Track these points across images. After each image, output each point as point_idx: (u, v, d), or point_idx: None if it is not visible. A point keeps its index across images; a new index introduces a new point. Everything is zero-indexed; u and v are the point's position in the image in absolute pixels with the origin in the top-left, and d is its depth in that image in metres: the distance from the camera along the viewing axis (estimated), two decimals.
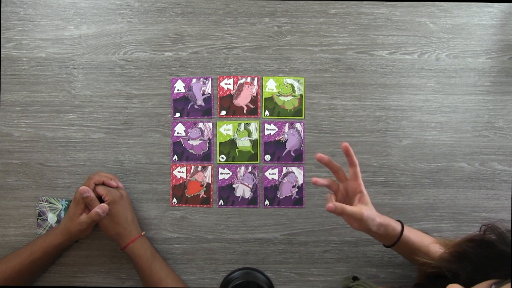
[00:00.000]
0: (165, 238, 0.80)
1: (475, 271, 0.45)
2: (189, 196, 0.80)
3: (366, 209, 0.62)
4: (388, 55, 0.82)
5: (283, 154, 0.81)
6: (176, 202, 0.80)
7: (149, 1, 0.81)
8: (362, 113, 0.81)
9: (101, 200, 0.72)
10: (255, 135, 0.81)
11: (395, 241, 0.66)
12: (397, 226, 0.66)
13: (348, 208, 0.60)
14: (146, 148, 0.81)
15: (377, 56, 0.82)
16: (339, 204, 0.59)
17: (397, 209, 0.81)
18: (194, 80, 0.81)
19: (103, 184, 0.74)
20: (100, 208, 0.70)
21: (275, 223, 0.81)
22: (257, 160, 0.81)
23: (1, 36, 0.80)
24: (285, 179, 0.81)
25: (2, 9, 0.80)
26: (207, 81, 0.81)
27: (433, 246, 0.63)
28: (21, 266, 0.71)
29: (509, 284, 0.40)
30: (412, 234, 0.67)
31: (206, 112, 0.81)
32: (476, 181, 0.81)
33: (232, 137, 0.81)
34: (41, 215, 0.78)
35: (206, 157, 0.81)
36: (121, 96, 0.81)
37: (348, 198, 0.66)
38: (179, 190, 0.80)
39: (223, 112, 0.81)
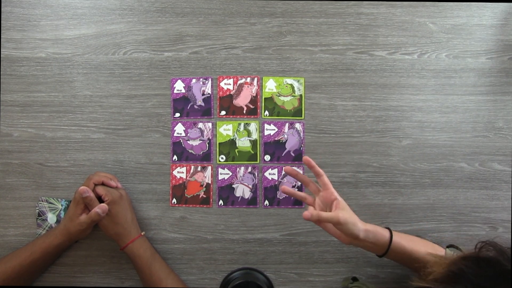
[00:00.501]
0: (164, 238, 0.80)
1: None
2: (188, 196, 0.80)
3: (342, 213, 0.62)
4: (388, 55, 0.82)
5: (282, 154, 0.81)
6: (175, 202, 0.80)
7: (149, 1, 0.81)
8: (362, 113, 0.81)
9: (100, 200, 0.72)
10: (254, 135, 0.81)
11: (387, 249, 0.65)
12: (386, 233, 0.66)
13: (324, 214, 0.60)
14: (145, 148, 0.81)
15: (377, 56, 0.82)
16: (314, 212, 0.60)
17: (397, 209, 0.81)
18: (194, 80, 0.81)
19: (103, 184, 0.74)
20: (99, 208, 0.70)
21: (274, 223, 0.81)
22: (256, 160, 0.81)
23: (1, 36, 0.80)
24: (285, 179, 0.81)
25: (2, 9, 0.80)
26: (207, 81, 0.81)
27: (428, 256, 0.63)
28: (20, 266, 0.71)
29: None
30: (404, 240, 0.66)
31: (205, 112, 0.81)
32: (476, 181, 0.81)
33: (231, 137, 0.81)
34: (40, 215, 0.78)
35: (205, 157, 0.81)
36: (121, 96, 0.81)
37: (327, 209, 0.67)
38: (179, 190, 0.80)
39: (223, 112, 0.81)
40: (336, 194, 0.66)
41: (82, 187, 0.70)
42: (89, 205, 0.71)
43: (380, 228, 0.66)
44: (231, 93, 0.81)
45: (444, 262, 0.48)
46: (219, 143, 0.81)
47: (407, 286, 0.50)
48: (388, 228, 0.67)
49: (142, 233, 0.76)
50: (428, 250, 0.64)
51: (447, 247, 0.70)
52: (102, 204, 0.70)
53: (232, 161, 0.81)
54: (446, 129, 0.82)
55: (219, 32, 0.81)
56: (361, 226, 0.63)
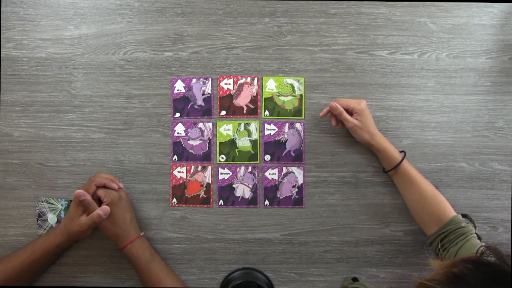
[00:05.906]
0: (165, 238, 0.80)
1: None
2: (189, 196, 0.80)
3: (354, 122, 0.75)
4: (388, 55, 0.82)
5: (283, 154, 0.81)
6: (176, 202, 0.80)
7: (149, 1, 0.81)
8: None
9: (101, 201, 0.72)
10: (255, 135, 0.81)
11: (397, 163, 0.74)
12: (397, 155, 0.75)
13: (344, 114, 0.75)
14: (146, 148, 0.81)
15: (377, 56, 0.82)
16: (335, 105, 0.75)
17: (397, 209, 0.81)
18: (194, 80, 0.81)
19: (104, 186, 0.73)
20: (101, 210, 0.69)
21: (275, 223, 0.80)
22: (257, 160, 0.81)
23: (1, 36, 0.80)
24: (285, 179, 0.81)
25: (2, 9, 0.80)
26: (207, 81, 0.81)
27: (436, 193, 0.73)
28: (21, 266, 0.71)
29: None
30: (412, 168, 0.75)
31: (206, 112, 0.81)
32: (476, 181, 0.81)
33: (232, 137, 0.81)
34: (41, 215, 0.78)
35: (206, 157, 0.81)
36: (121, 96, 0.81)
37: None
38: (179, 190, 0.80)
39: (223, 112, 0.81)
40: (354, 105, 0.75)
41: (78, 191, 0.69)
42: (87, 208, 0.70)
43: (391, 154, 0.75)
44: (231, 93, 0.81)
45: (445, 263, 0.48)
46: (219, 143, 0.81)
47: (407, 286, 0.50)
48: (403, 152, 0.76)
49: (142, 234, 0.76)
50: (436, 197, 0.72)
51: (462, 215, 0.71)
52: (104, 206, 0.70)
53: (232, 161, 0.81)
54: (446, 128, 0.82)
55: (219, 32, 0.81)
56: (376, 140, 0.75)
